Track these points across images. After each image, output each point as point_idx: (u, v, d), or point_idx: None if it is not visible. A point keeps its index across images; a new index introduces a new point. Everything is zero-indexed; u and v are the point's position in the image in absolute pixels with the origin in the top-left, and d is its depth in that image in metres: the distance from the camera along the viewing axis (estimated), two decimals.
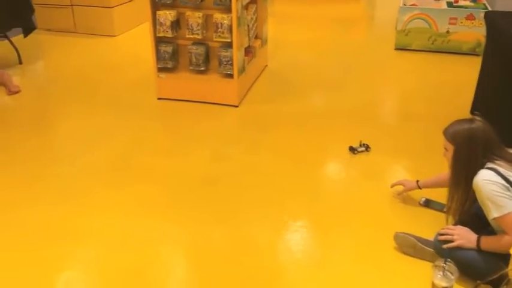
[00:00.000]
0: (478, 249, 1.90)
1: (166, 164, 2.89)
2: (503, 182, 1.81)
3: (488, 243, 1.89)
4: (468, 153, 1.92)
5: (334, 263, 2.12)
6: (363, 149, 3.00)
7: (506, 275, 1.66)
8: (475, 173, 1.88)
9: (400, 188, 2.51)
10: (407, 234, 2.13)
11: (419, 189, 2.45)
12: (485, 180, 1.83)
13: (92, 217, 2.43)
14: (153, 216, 2.44)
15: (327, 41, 5.24)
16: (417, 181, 2.46)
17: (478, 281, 1.71)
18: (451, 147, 1.98)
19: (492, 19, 3.21)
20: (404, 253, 2.12)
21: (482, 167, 1.88)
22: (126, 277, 2.05)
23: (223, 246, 2.23)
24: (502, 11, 4.64)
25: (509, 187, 1.81)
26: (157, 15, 3.49)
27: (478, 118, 1.96)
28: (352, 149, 2.99)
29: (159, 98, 3.73)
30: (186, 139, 3.20)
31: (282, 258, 2.16)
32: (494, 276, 1.68)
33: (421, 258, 2.07)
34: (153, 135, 3.29)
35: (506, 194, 1.81)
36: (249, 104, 3.67)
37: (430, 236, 2.08)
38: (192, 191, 2.63)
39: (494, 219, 1.82)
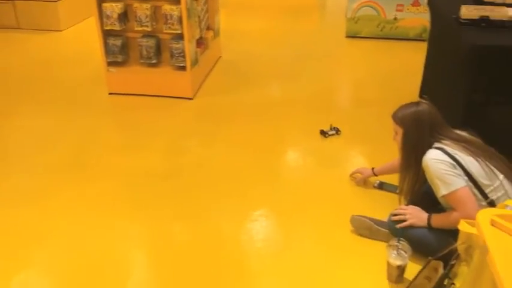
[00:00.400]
0: (429, 227, 1.98)
1: (122, 161, 2.83)
2: (450, 160, 1.89)
3: (438, 220, 1.97)
4: (416, 135, 1.99)
5: (295, 249, 2.15)
6: (333, 132, 3.07)
7: (455, 250, 1.73)
8: (423, 153, 1.95)
9: (358, 175, 2.57)
10: (362, 216, 2.19)
11: (375, 176, 2.52)
12: (434, 159, 1.90)
13: (49, 218, 2.35)
14: (112, 214, 2.38)
15: (280, 31, 5.26)
16: (372, 168, 2.53)
17: (430, 257, 1.78)
18: (400, 130, 2.05)
19: (435, 5, 3.31)
20: (361, 235, 2.18)
21: (430, 147, 1.95)
22: (86, 276, 2.00)
23: (185, 241, 2.22)
24: None
25: (456, 165, 1.89)
26: (103, 8, 3.38)
27: (423, 101, 2.05)
28: (323, 133, 3.06)
29: (110, 93, 3.63)
30: (141, 134, 3.14)
31: (245, 249, 2.16)
32: (445, 252, 1.74)
33: (376, 239, 2.14)
34: (106, 132, 3.21)
35: (453, 172, 1.88)
36: (204, 96, 3.64)
37: (385, 217, 2.15)
38: (150, 186, 2.59)
39: (443, 196, 1.90)
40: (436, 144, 1.95)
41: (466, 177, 1.88)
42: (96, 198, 2.50)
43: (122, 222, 2.33)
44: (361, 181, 2.56)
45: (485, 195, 1.89)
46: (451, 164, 1.89)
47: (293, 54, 4.53)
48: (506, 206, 1.76)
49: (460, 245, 1.72)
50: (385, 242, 2.07)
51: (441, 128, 2.00)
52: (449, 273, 1.74)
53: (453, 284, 1.74)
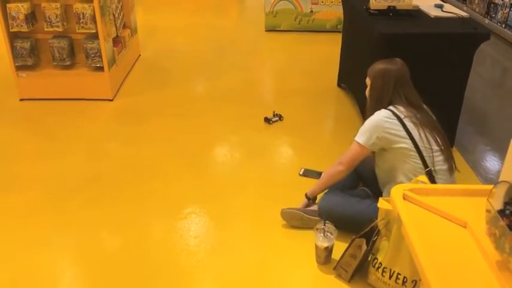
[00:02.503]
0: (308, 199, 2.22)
1: (39, 169, 2.67)
2: (397, 121, 1.97)
3: (317, 185, 2.22)
4: (381, 88, 2.07)
5: (227, 244, 2.15)
6: (277, 118, 3.13)
7: (376, 227, 1.83)
8: (385, 107, 2.03)
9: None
10: (292, 209, 2.21)
11: (309, 200, 2.28)
12: (384, 116, 1.99)
13: None
14: (33, 225, 2.24)
15: (200, 27, 5.23)
16: (305, 194, 2.27)
17: (354, 236, 1.86)
18: (369, 82, 2.14)
19: None
20: (293, 226, 2.20)
21: (390, 103, 2.03)
22: None
23: (114, 245, 2.14)
24: None
25: (401, 127, 1.96)
26: (7, 9, 3.16)
27: (398, 59, 2.11)
28: (267, 120, 3.11)
29: (21, 99, 3.41)
30: (58, 140, 2.98)
31: (177, 248, 2.13)
32: (366, 230, 1.84)
33: (309, 228, 2.16)
34: (20, 140, 3.00)
35: (387, 133, 1.97)
36: (125, 97, 3.53)
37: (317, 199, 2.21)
38: (72, 193, 2.47)
39: (355, 139, 2.05)
40: (391, 107, 2.03)
41: (409, 141, 1.96)
42: (15, 209, 2.35)
43: (45, 233, 2.20)
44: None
45: (425, 163, 1.96)
46: (396, 123, 1.97)
47: (214, 49, 4.53)
48: (418, 181, 1.89)
49: (379, 221, 1.82)
50: None
51: (406, 86, 2.07)
52: (372, 249, 1.83)
53: (376, 258, 1.83)
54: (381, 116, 2.01)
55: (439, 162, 1.99)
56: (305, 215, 2.19)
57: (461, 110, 2.80)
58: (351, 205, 2.13)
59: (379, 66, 2.13)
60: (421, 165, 1.97)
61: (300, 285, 1.93)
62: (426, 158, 1.97)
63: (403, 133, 1.98)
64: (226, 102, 3.48)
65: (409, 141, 1.97)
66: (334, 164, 2.14)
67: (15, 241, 2.15)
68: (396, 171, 2.02)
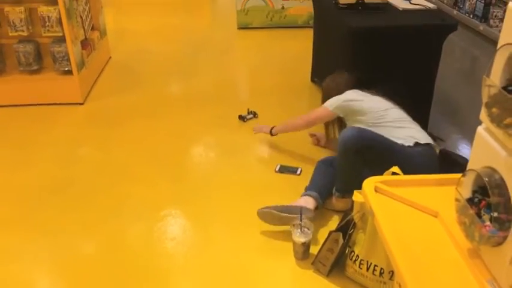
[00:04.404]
0: (272, 135, 2.69)
1: (7, 179, 2.59)
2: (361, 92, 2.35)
3: (284, 126, 2.66)
4: (327, 97, 2.47)
5: (205, 246, 2.13)
6: (251, 116, 3.12)
7: (352, 220, 1.83)
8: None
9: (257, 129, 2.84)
10: (267, 208, 2.13)
11: (272, 135, 2.72)
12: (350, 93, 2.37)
13: None
14: (7, 235, 2.18)
15: (171, 27, 5.17)
16: (271, 128, 2.71)
17: (330, 231, 1.86)
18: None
19: None
20: (273, 225, 2.14)
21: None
22: None
23: (90, 252, 2.10)
24: None
25: (364, 98, 2.31)
26: None
27: (344, 72, 2.56)
28: (242, 117, 3.10)
29: None
30: (28, 148, 2.90)
31: (153, 251, 2.09)
32: (342, 223, 1.84)
33: (288, 225, 2.12)
34: None
35: (349, 99, 2.31)
36: (96, 100, 3.46)
37: (293, 198, 2.19)
38: (45, 201, 2.41)
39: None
40: None
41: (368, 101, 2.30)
42: None
43: (18, 243, 2.14)
44: (259, 131, 2.81)
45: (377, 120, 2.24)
46: (363, 94, 2.35)
47: (187, 49, 4.48)
48: (391, 172, 1.90)
49: (355, 214, 1.83)
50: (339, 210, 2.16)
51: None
52: (348, 242, 1.83)
53: (353, 251, 1.84)
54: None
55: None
56: (282, 213, 2.13)
57: (432, 101, 2.83)
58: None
59: (327, 79, 2.60)
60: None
61: (279, 282, 1.92)
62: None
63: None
64: (200, 103, 3.45)
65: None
66: (300, 117, 2.56)
67: None
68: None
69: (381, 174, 2.13)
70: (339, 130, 2.55)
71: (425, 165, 2.03)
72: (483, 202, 1.08)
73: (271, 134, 2.70)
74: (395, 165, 1.90)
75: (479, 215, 1.07)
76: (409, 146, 2.12)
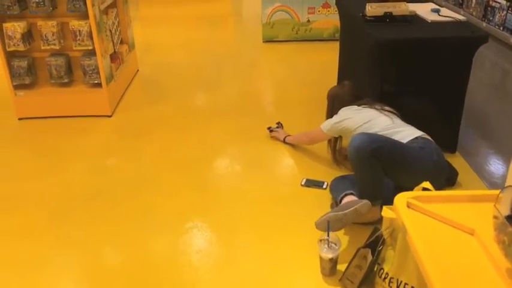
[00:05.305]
0: (284, 142, 2.92)
1: (38, 188, 2.64)
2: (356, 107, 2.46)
3: (294, 138, 2.89)
4: (331, 107, 2.65)
5: (231, 258, 2.11)
6: (279, 128, 3.11)
7: (381, 236, 1.79)
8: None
9: (275, 134, 3.03)
10: (324, 216, 2.05)
11: (284, 143, 2.94)
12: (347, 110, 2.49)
13: None
14: (34, 244, 2.21)
15: (198, 41, 5.23)
16: (286, 137, 2.95)
17: (359, 247, 1.82)
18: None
19: (342, 4, 3.46)
20: (336, 230, 2.04)
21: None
22: None
23: (116, 262, 2.10)
24: None
25: (354, 115, 2.42)
26: (4, 28, 3.16)
27: (346, 83, 2.73)
28: (270, 129, 3.10)
29: (20, 119, 3.40)
30: (58, 158, 2.95)
31: (179, 263, 2.08)
32: (371, 239, 1.80)
33: (354, 223, 2.08)
34: (18, 160, 2.98)
35: (347, 119, 2.42)
36: (124, 112, 3.52)
37: (323, 211, 2.14)
38: (74, 211, 2.44)
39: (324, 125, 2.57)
40: None
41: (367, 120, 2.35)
42: (16, 229, 2.31)
43: (46, 252, 2.16)
44: (275, 138, 3.02)
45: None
46: (355, 109, 2.47)
47: (213, 62, 4.52)
48: (422, 188, 1.86)
49: (384, 230, 1.78)
50: (361, 223, 2.13)
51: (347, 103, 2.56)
52: (377, 259, 1.79)
53: (382, 269, 1.79)
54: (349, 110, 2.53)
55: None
56: (338, 213, 2.02)
57: (462, 114, 2.77)
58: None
59: (332, 88, 2.78)
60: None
61: None
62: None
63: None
64: (226, 115, 3.46)
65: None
66: (305, 133, 2.82)
67: (16, 262, 2.11)
68: None
69: (397, 174, 2.17)
70: (336, 143, 2.70)
71: (427, 154, 2.17)
72: None
73: (284, 142, 2.95)
74: (406, 160, 2.08)
75: None
76: (406, 142, 2.21)
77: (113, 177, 2.75)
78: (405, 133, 2.27)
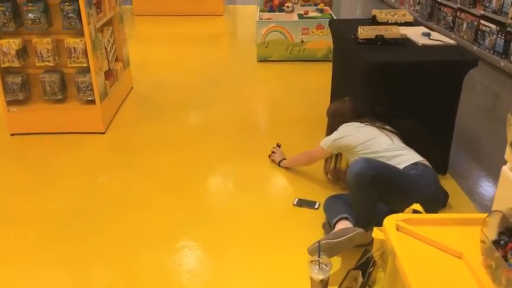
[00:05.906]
0: (279, 166, 2.91)
1: (28, 204, 2.62)
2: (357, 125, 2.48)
3: (289, 161, 2.86)
4: (332, 124, 2.64)
5: (222, 278, 2.09)
6: (277, 148, 3.09)
7: (372, 258, 1.79)
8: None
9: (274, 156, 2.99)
10: (318, 242, 1.99)
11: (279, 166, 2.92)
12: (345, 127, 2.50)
13: None
14: (20, 261, 2.19)
15: (192, 59, 5.28)
16: (280, 161, 2.93)
17: (349, 268, 1.82)
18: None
19: (335, 26, 3.51)
20: (331, 256, 1.98)
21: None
22: None
23: (106, 281, 2.08)
24: (344, 19, 5.15)
25: (354, 132, 2.43)
26: None
27: (347, 99, 2.72)
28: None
29: (12, 134, 3.39)
30: (49, 175, 2.94)
31: (170, 283, 2.07)
32: (362, 261, 1.80)
33: (346, 248, 2.02)
34: (9, 176, 2.97)
35: (345, 136, 2.43)
36: (117, 129, 3.52)
37: (317, 236, 2.13)
38: (64, 229, 2.42)
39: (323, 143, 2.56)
40: None
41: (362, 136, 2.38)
42: (3, 245, 2.29)
43: (33, 269, 2.14)
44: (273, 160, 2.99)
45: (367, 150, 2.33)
46: (356, 127, 2.47)
47: (207, 81, 4.55)
48: (412, 210, 1.87)
49: (375, 251, 1.78)
50: (359, 245, 2.04)
51: (346, 120, 2.57)
52: (368, 281, 1.79)
53: None
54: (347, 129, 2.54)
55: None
56: (331, 240, 2.00)
57: (453, 136, 2.80)
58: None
59: (331, 105, 2.79)
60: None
61: None
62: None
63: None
64: (219, 134, 3.47)
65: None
66: (303, 153, 2.78)
67: (1, 279, 2.08)
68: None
69: (392, 201, 2.16)
70: (336, 161, 2.69)
71: (425, 183, 2.17)
72: (510, 244, 1.05)
73: (279, 165, 2.93)
74: (404, 188, 2.05)
75: (505, 258, 1.03)
76: (405, 167, 2.21)
77: (103, 194, 2.73)
78: (405, 157, 2.26)
